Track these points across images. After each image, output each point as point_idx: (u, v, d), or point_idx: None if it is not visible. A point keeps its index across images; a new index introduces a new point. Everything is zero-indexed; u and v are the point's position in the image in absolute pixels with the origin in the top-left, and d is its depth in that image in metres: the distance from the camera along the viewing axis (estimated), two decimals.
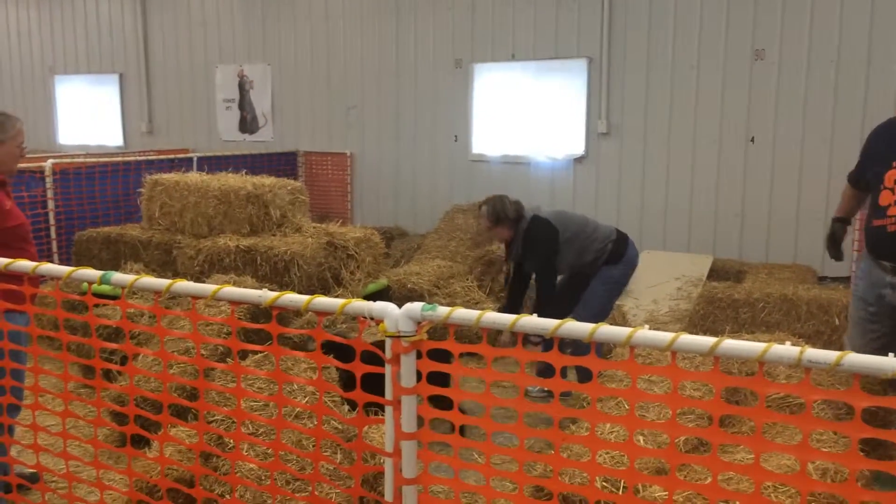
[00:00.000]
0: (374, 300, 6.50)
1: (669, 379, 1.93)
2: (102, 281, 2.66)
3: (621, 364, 2.06)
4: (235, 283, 5.64)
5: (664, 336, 1.86)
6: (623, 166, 8.70)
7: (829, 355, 1.67)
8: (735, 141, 8.11)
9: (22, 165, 7.79)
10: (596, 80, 8.69)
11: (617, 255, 5.13)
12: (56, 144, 12.70)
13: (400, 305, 2.25)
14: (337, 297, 6.01)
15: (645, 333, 1.89)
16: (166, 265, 6.62)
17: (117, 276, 2.68)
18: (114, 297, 3.79)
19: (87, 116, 12.60)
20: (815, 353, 1.68)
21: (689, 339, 1.84)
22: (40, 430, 3.07)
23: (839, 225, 4.29)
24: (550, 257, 5.02)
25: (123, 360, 4.78)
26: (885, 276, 3.75)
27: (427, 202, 9.78)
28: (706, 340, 1.81)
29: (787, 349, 1.73)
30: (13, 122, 3.67)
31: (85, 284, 2.80)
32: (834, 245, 4.28)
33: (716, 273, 7.66)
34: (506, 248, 5.36)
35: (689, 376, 2.06)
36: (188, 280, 6.12)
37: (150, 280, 2.68)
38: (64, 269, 2.82)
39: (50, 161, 7.73)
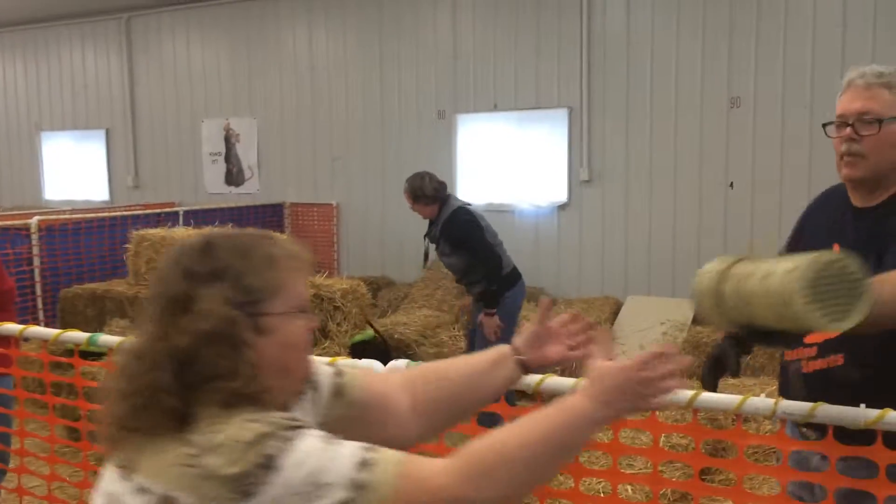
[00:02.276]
0: (362, 350, 6.50)
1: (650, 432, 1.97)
2: (90, 343, 2.68)
3: None
4: None
5: None
6: (606, 213, 8.82)
7: (803, 406, 1.72)
8: (714, 186, 8.26)
9: (7, 223, 7.83)
10: (577, 129, 8.86)
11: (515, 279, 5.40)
12: (42, 200, 12.71)
13: (388, 355, 2.28)
14: (324, 349, 6.02)
15: None
16: None
17: (104, 338, 2.70)
18: (100, 355, 3.80)
19: (73, 172, 12.64)
20: (788, 405, 1.73)
21: None
22: (26, 494, 3.05)
23: (730, 343, 2.23)
24: (483, 241, 5.23)
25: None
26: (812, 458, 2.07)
27: (414, 251, 9.78)
28: (684, 393, 1.85)
29: (762, 401, 1.78)
30: None
31: (71, 345, 2.82)
32: (713, 372, 2.20)
33: (700, 318, 7.71)
34: (428, 227, 5.61)
35: (670, 429, 2.09)
36: None
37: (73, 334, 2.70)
38: (51, 332, 2.84)
39: (36, 218, 7.75)
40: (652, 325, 7.54)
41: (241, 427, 1.17)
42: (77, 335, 2.78)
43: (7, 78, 13.24)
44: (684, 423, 3.22)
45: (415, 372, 1.64)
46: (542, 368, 1.66)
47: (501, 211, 9.34)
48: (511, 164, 9.32)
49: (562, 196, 9.04)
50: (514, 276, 5.42)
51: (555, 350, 1.63)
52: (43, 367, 3.71)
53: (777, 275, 1.33)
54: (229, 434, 1.16)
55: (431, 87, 9.74)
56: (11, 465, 3.22)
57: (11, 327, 2.89)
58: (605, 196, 8.82)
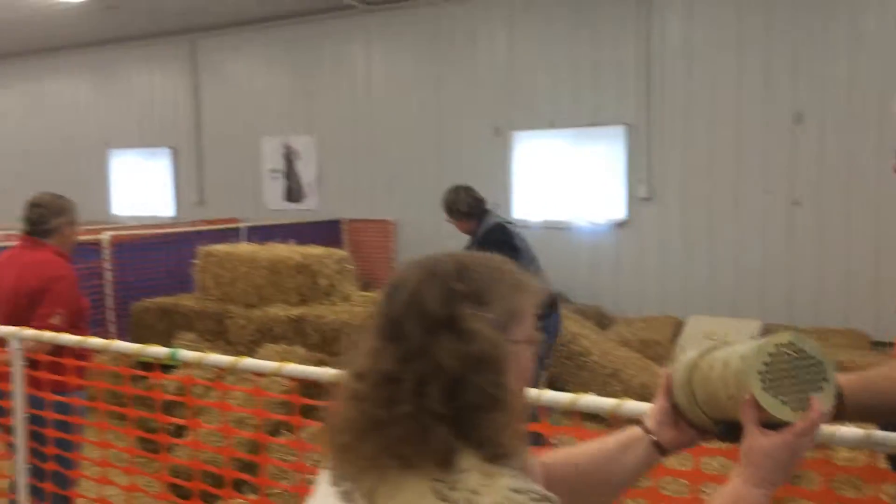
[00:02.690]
0: None
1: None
2: (172, 358, 2.78)
3: None
4: (286, 353, 5.74)
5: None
6: (665, 230, 8.72)
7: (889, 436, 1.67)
8: (779, 204, 8.10)
9: (80, 237, 8.11)
10: (635, 146, 8.80)
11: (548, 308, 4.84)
12: (110, 216, 13.14)
13: None
14: None
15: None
16: (218, 335, 6.76)
17: (183, 353, 2.79)
18: (171, 368, 3.92)
19: (140, 188, 13.05)
20: (846, 431, 1.68)
21: None
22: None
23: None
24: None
25: (177, 431, 4.86)
26: None
27: None
28: None
29: (851, 431, 1.74)
30: (72, 202, 3.85)
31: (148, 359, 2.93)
32: None
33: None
34: (468, 243, 5.24)
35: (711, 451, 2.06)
36: (239, 349, 6.25)
37: (216, 357, 2.78)
38: (132, 346, 2.95)
39: (108, 233, 8.01)
40: (716, 345, 7.40)
41: (506, 499, 1.08)
42: (158, 350, 2.88)
43: (78, 97, 13.76)
44: None
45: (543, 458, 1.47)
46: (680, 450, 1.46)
47: (558, 228, 9.33)
48: (567, 181, 9.30)
49: (620, 213, 8.98)
50: (553, 307, 5.00)
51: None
52: (121, 379, 3.84)
53: (732, 367, 1.23)
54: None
55: (488, 105, 9.80)
56: (89, 473, 3.33)
57: (96, 341, 3.01)
58: (664, 213, 8.73)
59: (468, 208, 5.09)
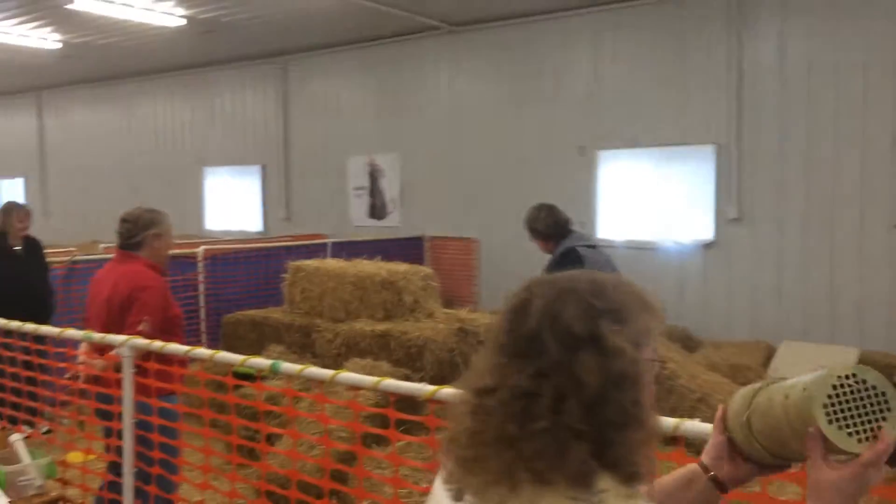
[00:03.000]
0: None
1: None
2: (272, 370, 2.88)
3: None
4: (372, 367, 5.84)
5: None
6: (757, 253, 8.49)
7: None
8: (877, 227, 7.78)
9: (176, 251, 8.47)
10: (725, 166, 8.61)
11: None
12: (204, 231, 13.67)
13: None
14: None
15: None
16: (305, 347, 6.93)
17: (286, 366, 2.89)
18: (252, 377, 4.04)
19: (231, 204, 13.54)
20: None
21: None
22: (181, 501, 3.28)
23: None
24: None
25: (268, 439, 5.01)
26: None
27: None
28: None
29: None
30: (166, 217, 4.03)
31: (243, 368, 3.04)
32: None
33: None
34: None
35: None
36: (326, 362, 6.40)
37: (315, 370, 2.87)
38: (234, 357, 3.07)
39: (203, 247, 8.34)
40: (774, 379, 7.13)
41: None
42: (260, 361, 2.99)
43: (175, 118, 14.41)
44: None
45: None
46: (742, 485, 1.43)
47: (643, 248, 9.19)
48: (653, 201, 9.17)
49: (708, 234, 8.79)
50: None
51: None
52: (218, 387, 3.99)
53: (793, 399, 1.22)
54: None
55: (572, 124, 9.77)
56: (187, 475, 3.47)
57: (202, 351, 3.14)
58: (755, 235, 8.50)
59: (546, 229, 5.01)
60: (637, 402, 1.14)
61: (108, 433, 3.60)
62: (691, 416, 5.37)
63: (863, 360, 7.32)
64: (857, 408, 1.17)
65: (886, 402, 1.18)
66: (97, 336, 3.42)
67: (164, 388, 3.29)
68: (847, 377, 1.19)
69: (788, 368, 7.05)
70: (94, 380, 3.55)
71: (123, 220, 3.89)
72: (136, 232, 3.83)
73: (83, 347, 3.58)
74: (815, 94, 8.07)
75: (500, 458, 1.12)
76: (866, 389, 1.18)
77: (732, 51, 8.49)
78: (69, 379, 3.64)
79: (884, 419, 1.17)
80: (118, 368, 3.37)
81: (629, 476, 1.12)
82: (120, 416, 3.41)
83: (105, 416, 3.50)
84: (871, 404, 1.17)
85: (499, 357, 1.19)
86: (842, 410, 1.16)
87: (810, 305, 8.16)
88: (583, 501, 1.10)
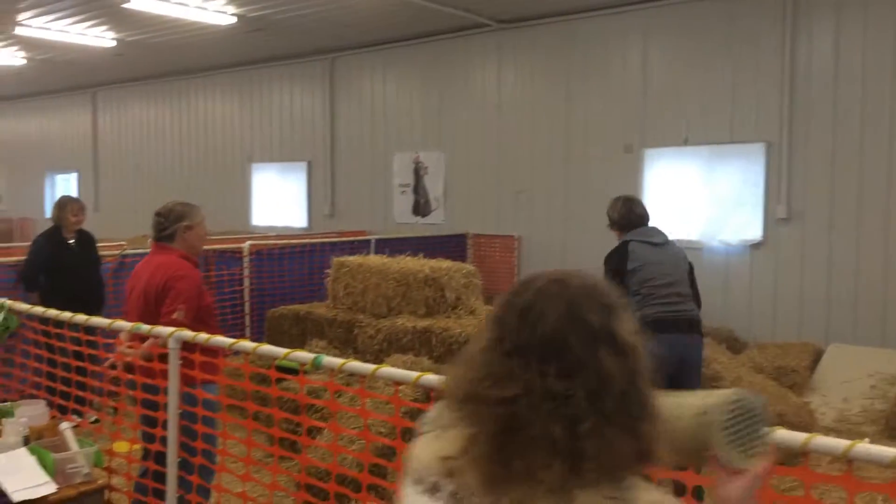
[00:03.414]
0: None
1: (845, 489, 1.85)
2: (315, 364, 2.91)
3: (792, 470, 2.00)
4: (413, 363, 5.87)
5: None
6: (806, 253, 8.29)
7: None
8: None
9: (223, 246, 8.62)
10: (775, 165, 8.43)
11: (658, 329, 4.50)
12: (250, 226, 13.88)
13: None
14: None
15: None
16: (347, 343, 6.99)
17: (328, 360, 2.92)
18: (294, 371, 4.09)
19: (277, 200, 13.72)
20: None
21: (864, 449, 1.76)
22: (249, 500, 3.33)
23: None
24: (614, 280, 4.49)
25: (309, 433, 5.07)
26: None
27: None
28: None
29: None
30: (198, 209, 4.13)
31: (287, 361, 3.08)
32: None
33: None
34: None
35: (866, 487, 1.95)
36: (367, 357, 6.45)
37: (356, 364, 2.89)
38: (278, 350, 3.11)
39: (248, 242, 8.47)
40: (858, 376, 6.96)
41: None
42: (302, 355, 3.02)
43: (225, 114, 14.65)
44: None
45: None
46: None
47: (690, 248, 9.02)
48: (701, 200, 9.02)
49: (756, 234, 8.62)
50: (657, 327, 4.54)
51: None
52: (261, 379, 4.04)
53: (692, 418, 1.37)
54: None
55: (619, 122, 9.67)
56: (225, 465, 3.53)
57: (247, 344, 3.19)
58: (805, 235, 8.30)
59: (617, 218, 5.01)
60: (649, 395, 1.19)
61: (146, 421, 3.68)
62: None
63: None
64: (743, 428, 1.35)
65: (762, 420, 1.39)
66: (145, 328, 3.50)
67: (204, 378, 3.35)
68: (735, 401, 1.37)
69: (834, 372, 6.89)
70: (133, 368, 3.64)
71: (157, 214, 4.02)
72: (168, 225, 3.95)
73: (123, 337, 3.68)
74: (869, 92, 7.85)
75: (549, 465, 1.12)
76: (749, 410, 1.37)
77: (785, 47, 8.30)
78: (108, 367, 3.73)
79: (762, 435, 1.38)
80: (152, 358, 3.45)
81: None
82: (157, 404, 3.49)
83: (143, 404, 3.58)
84: (751, 424, 1.37)
85: (512, 360, 1.18)
86: (734, 432, 1.34)
87: (860, 308, 7.94)
88: (620, 500, 1.12)
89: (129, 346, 3.60)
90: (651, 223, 5.09)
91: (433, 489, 1.22)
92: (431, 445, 1.29)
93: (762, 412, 1.39)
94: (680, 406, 1.38)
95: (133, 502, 3.71)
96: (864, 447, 1.81)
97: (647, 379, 1.19)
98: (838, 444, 1.85)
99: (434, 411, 1.35)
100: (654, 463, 1.18)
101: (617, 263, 4.84)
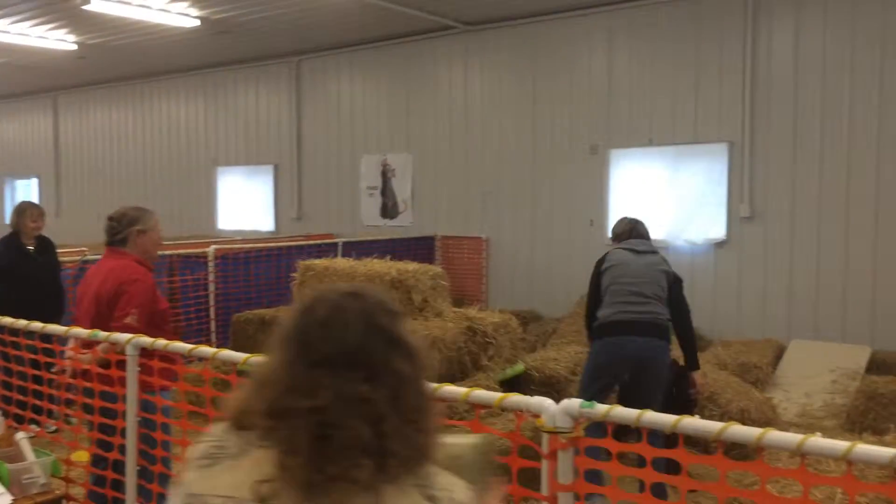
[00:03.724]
0: (512, 385, 6.48)
1: (801, 483, 1.88)
2: None
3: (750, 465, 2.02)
4: None
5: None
6: (768, 251, 8.42)
7: None
8: (891, 226, 7.70)
9: (188, 250, 8.52)
10: (738, 164, 8.55)
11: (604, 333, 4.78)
12: (216, 230, 13.74)
13: (536, 392, 2.30)
14: (475, 381, 6.09)
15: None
16: None
17: None
18: None
19: (244, 204, 13.60)
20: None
21: (817, 442, 1.79)
22: None
23: None
24: (590, 283, 4.94)
25: None
26: None
27: (562, 286, 9.78)
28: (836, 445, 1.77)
29: None
30: (152, 214, 4.08)
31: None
32: None
33: (875, 366, 7.18)
34: None
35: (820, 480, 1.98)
36: None
37: None
38: (238, 355, 3.08)
39: (213, 247, 8.37)
40: (819, 372, 7.08)
41: (467, 496, 1.30)
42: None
43: (189, 117, 14.49)
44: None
45: None
46: None
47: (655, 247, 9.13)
48: (665, 200, 9.12)
49: (720, 233, 8.73)
50: (605, 331, 4.76)
51: None
52: (223, 385, 3.99)
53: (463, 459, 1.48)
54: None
55: (585, 123, 9.74)
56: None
57: (206, 350, 3.15)
58: (767, 234, 8.43)
59: (615, 231, 5.15)
60: (428, 394, 1.32)
61: (101, 429, 3.60)
62: (700, 416, 5.33)
63: (874, 360, 7.25)
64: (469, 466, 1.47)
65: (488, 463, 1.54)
66: (103, 334, 3.43)
67: (160, 384, 3.30)
68: (484, 444, 1.50)
69: (796, 367, 7.00)
70: (83, 374, 3.57)
71: (109, 218, 3.98)
72: (120, 229, 3.91)
73: (71, 343, 3.62)
74: (829, 92, 8.00)
75: (360, 465, 1.20)
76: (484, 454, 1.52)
77: (746, 49, 8.43)
78: (56, 373, 3.66)
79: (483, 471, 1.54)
80: (104, 364, 3.39)
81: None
82: (105, 411, 3.43)
83: (101, 412, 3.51)
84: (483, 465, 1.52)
85: (318, 371, 1.24)
86: (462, 471, 1.39)
87: (822, 305, 8.08)
88: (426, 487, 1.25)
89: (80, 352, 3.53)
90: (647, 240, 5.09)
91: None
92: (226, 476, 1.28)
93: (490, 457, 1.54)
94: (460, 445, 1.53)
95: None
96: (817, 441, 1.84)
97: (426, 379, 1.32)
98: (792, 438, 1.87)
99: (210, 443, 1.34)
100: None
101: (596, 265, 4.95)
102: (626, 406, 2.25)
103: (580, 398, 2.28)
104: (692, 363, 4.94)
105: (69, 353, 3.58)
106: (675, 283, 4.95)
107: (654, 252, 4.96)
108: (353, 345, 1.26)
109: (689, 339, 4.96)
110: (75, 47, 11.95)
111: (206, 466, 1.31)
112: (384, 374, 1.25)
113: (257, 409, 1.26)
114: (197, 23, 10.31)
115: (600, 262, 4.98)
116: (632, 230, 5.05)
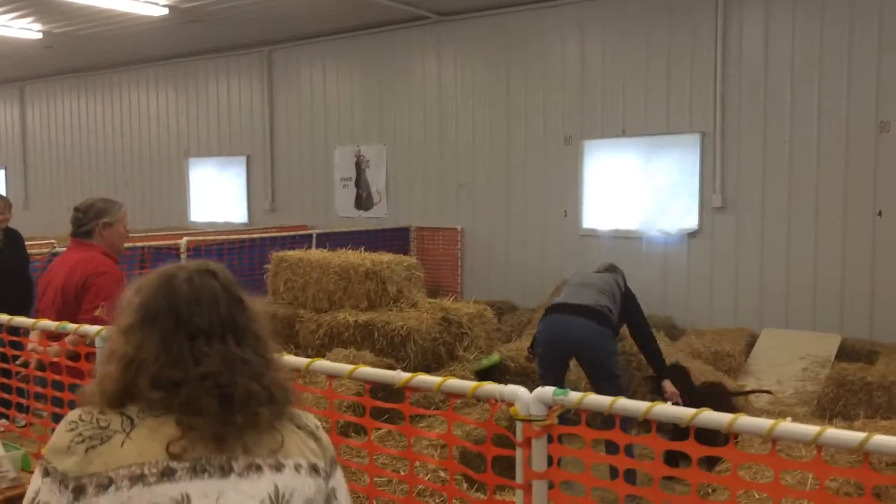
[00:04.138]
0: (487, 375, 6.54)
1: (771, 468, 1.90)
2: None
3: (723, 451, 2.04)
4: (355, 357, 5.83)
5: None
6: (740, 241, 8.51)
7: None
8: (861, 215, 7.81)
9: (159, 242, 8.42)
10: (710, 155, 8.62)
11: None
12: (189, 222, 13.59)
13: (511, 382, 2.30)
14: (451, 371, 6.10)
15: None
16: (289, 338, 6.90)
17: None
18: None
19: (216, 195, 13.45)
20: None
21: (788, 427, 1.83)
22: None
23: None
24: None
25: None
26: None
27: (537, 277, 9.82)
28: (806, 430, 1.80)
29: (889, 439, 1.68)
30: (119, 206, 4.03)
31: None
32: None
33: (845, 353, 7.30)
34: None
35: (789, 465, 2.01)
36: (309, 353, 6.37)
37: (291, 358, 2.83)
38: None
39: (185, 238, 8.28)
40: (790, 359, 7.19)
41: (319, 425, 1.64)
42: None
43: (160, 108, 14.29)
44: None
45: None
46: None
47: (628, 238, 9.21)
48: (639, 190, 9.17)
49: (692, 223, 8.80)
50: (546, 313, 5.36)
51: None
52: None
53: None
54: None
55: (558, 114, 9.76)
56: None
57: None
58: (739, 223, 8.52)
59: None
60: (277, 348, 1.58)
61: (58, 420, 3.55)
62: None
63: (844, 348, 7.37)
64: None
65: None
66: (71, 326, 3.38)
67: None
68: None
69: (768, 355, 7.09)
70: (51, 367, 3.51)
71: (75, 210, 3.93)
72: (86, 221, 3.87)
73: (33, 335, 3.56)
74: (798, 83, 8.09)
75: (259, 412, 1.45)
76: None
77: (717, 40, 8.48)
78: (20, 365, 3.60)
79: None
80: (71, 356, 3.34)
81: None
82: (71, 403, 3.38)
83: (60, 404, 3.46)
84: None
85: (199, 341, 1.45)
86: None
87: (793, 293, 8.19)
88: (297, 420, 1.54)
89: (46, 345, 3.47)
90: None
91: (166, 474, 1.37)
92: (126, 449, 1.38)
93: None
94: None
95: None
96: (787, 426, 1.85)
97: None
98: (763, 423, 1.89)
99: (79, 427, 1.42)
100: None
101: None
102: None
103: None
104: (660, 370, 5.11)
105: (31, 345, 3.52)
106: (630, 296, 5.34)
107: (611, 273, 5.48)
108: (224, 316, 1.48)
109: (652, 348, 5.16)
110: (41, 36, 11.72)
111: (91, 448, 1.38)
112: (248, 337, 1.49)
113: (141, 384, 1.41)
114: (165, 11, 10.14)
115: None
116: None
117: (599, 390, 4.58)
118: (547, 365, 5.10)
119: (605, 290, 5.22)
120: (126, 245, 7.68)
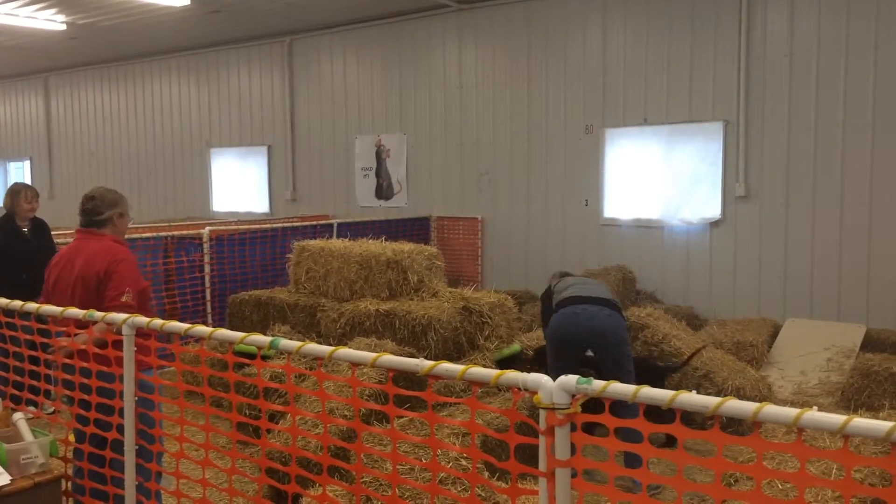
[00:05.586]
0: (508, 364, 6.57)
1: (797, 457, 1.88)
2: (272, 347, 2.87)
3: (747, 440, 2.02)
4: (376, 346, 5.85)
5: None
6: (763, 230, 8.43)
7: None
8: (888, 203, 7.71)
9: (182, 232, 8.49)
10: (733, 143, 8.54)
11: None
12: (210, 212, 13.69)
13: (532, 371, 2.30)
14: (471, 361, 6.11)
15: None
16: (311, 327, 6.95)
17: (285, 343, 2.88)
18: (252, 356, 4.04)
19: (238, 185, 13.54)
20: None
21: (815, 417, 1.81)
22: (183, 478, 3.29)
23: None
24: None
25: (270, 417, 5.04)
26: None
27: (557, 266, 9.74)
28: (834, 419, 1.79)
29: None
30: (122, 195, 4.13)
31: (242, 346, 3.04)
32: None
33: (870, 344, 7.21)
34: None
35: (815, 454, 1.99)
36: (330, 342, 6.41)
37: (314, 346, 2.85)
38: (234, 335, 3.07)
39: (208, 228, 8.34)
40: (815, 350, 7.11)
41: None
42: (259, 338, 2.98)
43: (182, 99, 14.39)
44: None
45: None
46: None
47: (650, 227, 9.15)
48: (661, 179, 9.11)
49: (715, 212, 8.73)
50: (559, 306, 5.27)
51: None
52: (220, 365, 3.98)
53: None
54: None
55: (580, 102, 9.70)
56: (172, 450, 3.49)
57: (202, 329, 3.14)
58: (762, 213, 8.43)
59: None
60: None
61: (101, 411, 3.58)
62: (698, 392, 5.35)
63: (869, 338, 7.29)
64: None
65: None
66: (98, 314, 3.42)
67: (143, 363, 3.29)
68: None
69: (791, 346, 7.02)
70: (79, 355, 3.55)
71: (89, 198, 3.99)
72: (104, 209, 3.95)
73: (63, 340, 3.60)
74: (824, 71, 7.98)
75: None
76: None
77: (741, 28, 8.39)
78: (50, 353, 3.65)
79: None
80: (99, 344, 3.38)
81: None
82: (98, 390, 3.42)
83: (98, 393, 3.50)
84: None
85: None
86: None
87: (816, 283, 8.11)
88: None
89: (74, 332, 3.51)
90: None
91: None
92: None
93: None
94: None
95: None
96: (814, 415, 1.84)
97: None
98: (789, 412, 1.87)
99: None
100: None
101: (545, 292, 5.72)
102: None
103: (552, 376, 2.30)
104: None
105: (63, 341, 3.56)
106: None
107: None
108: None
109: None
110: (64, 27, 11.83)
111: None
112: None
113: None
114: (187, 2, 10.20)
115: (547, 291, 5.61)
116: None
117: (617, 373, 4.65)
118: (562, 357, 5.07)
119: (606, 287, 5.49)
120: (149, 235, 7.81)
